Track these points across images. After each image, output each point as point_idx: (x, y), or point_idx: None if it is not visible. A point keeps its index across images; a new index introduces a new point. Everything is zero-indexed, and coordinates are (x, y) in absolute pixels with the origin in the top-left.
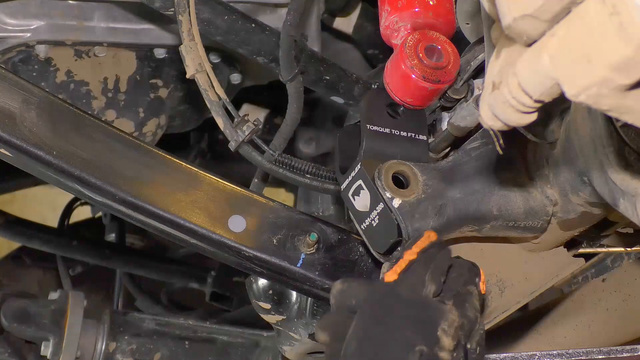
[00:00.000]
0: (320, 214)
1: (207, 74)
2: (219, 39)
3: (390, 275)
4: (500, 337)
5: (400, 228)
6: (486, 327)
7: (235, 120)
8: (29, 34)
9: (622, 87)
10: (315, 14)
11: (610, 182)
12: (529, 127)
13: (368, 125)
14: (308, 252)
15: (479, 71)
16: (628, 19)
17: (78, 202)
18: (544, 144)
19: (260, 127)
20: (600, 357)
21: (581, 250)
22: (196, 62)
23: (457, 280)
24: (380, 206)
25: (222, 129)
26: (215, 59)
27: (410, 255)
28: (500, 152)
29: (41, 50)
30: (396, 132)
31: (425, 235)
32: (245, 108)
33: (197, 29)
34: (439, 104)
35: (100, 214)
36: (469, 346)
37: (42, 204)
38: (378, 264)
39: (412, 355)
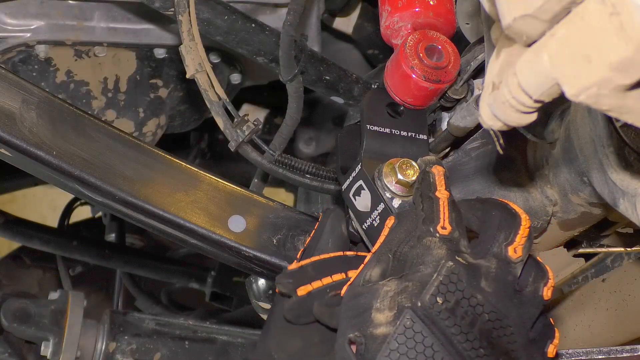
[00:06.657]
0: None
1: (207, 74)
2: (219, 39)
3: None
4: None
5: None
6: None
7: (235, 120)
8: (29, 34)
9: (622, 87)
10: (315, 14)
11: (610, 182)
12: (529, 127)
13: (368, 125)
14: None
15: (479, 71)
16: (628, 19)
17: (78, 202)
18: (544, 144)
19: (260, 127)
20: (600, 357)
21: (581, 250)
22: (196, 62)
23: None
24: (381, 206)
25: (222, 129)
26: (215, 59)
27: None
28: (501, 152)
29: (41, 50)
30: (396, 132)
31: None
32: (245, 108)
33: (197, 29)
34: (439, 104)
35: (100, 214)
36: (419, 304)
37: (42, 204)
38: None
39: (344, 346)
